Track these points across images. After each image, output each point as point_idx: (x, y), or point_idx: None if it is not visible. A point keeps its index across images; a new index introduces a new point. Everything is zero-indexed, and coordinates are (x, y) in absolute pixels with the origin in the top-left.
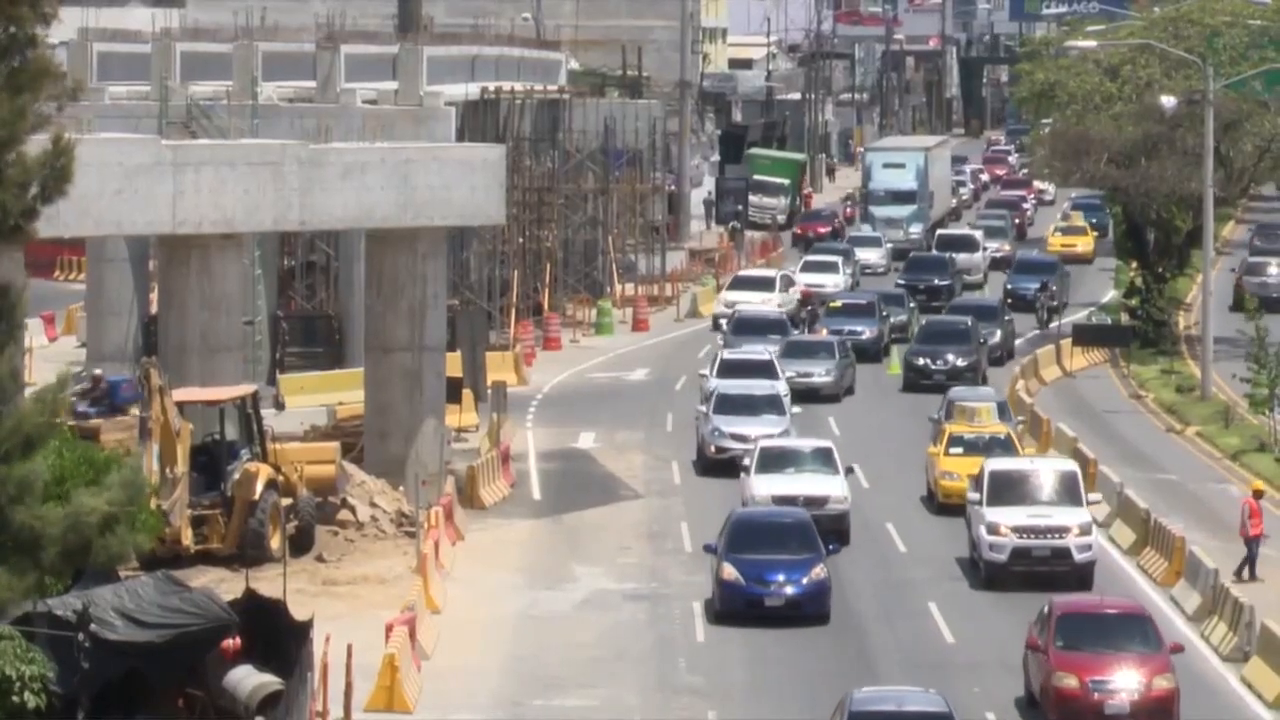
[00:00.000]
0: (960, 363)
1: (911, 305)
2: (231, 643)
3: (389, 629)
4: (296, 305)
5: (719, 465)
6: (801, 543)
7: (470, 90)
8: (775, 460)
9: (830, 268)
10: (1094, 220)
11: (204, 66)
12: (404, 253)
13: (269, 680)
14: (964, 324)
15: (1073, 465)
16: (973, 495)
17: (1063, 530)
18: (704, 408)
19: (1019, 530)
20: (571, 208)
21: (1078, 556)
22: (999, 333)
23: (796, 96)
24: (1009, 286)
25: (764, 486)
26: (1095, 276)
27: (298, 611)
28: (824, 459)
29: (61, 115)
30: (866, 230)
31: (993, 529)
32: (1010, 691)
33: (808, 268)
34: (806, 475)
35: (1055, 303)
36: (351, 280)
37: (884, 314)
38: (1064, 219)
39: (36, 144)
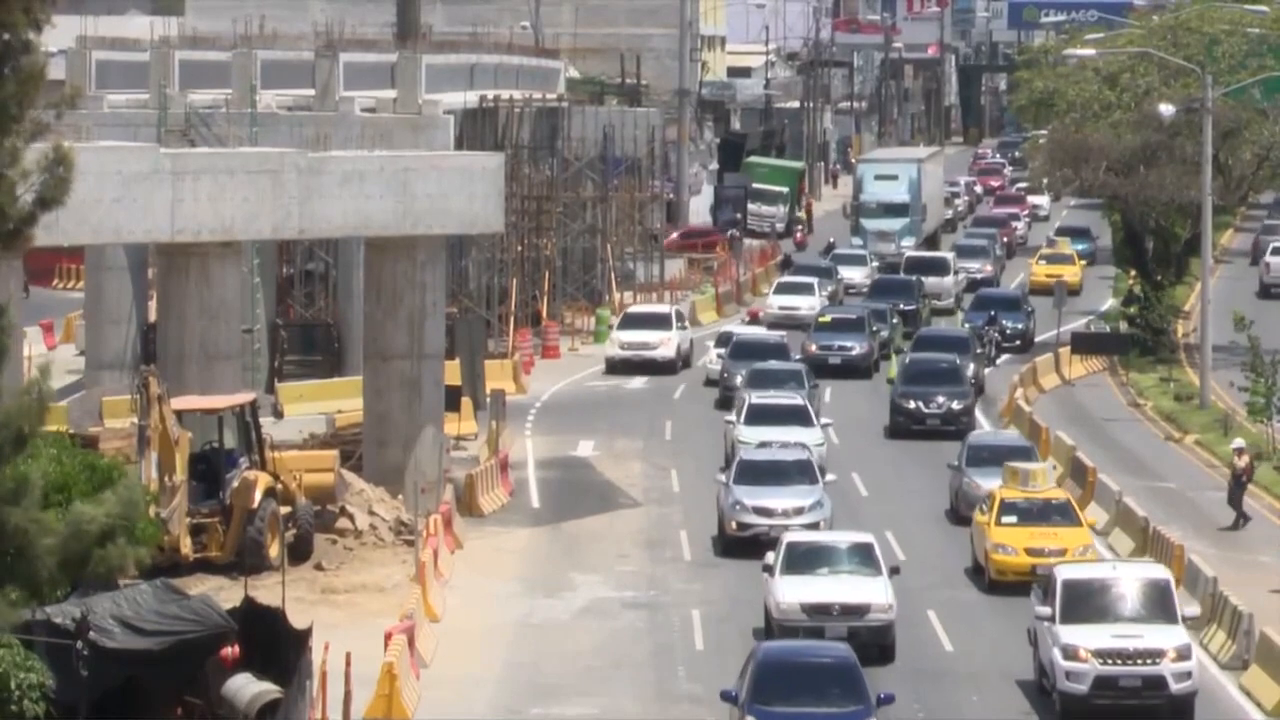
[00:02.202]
0: (955, 406)
1: (895, 321)
2: (230, 651)
3: (388, 637)
4: (295, 313)
5: (741, 545)
6: (846, 691)
7: (469, 98)
8: (805, 559)
9: (805, 289)
10: (1081, 247)
11: (203, 74)
12: (403, 261)
13: (268, 689)
14: (952, 361)
15: (1164, 573)
16: (1042, 609)
17: (1156, 655)
18: (723, 476)
19: (1102, 655)
20: (570, 216)
21: (1175, 686)
22: (971, 366)
23: (795, 104)
24: (965, 324)
25: (792, 591)
26: (1094, 285)
27: (296, 620)
28: (863, 557)
29: (60, 123)
30: (856, 244)
31: (1070, 653)
32: None
33: (781, 289)
34: (843, 578)
35: (1012, 340)
36: (350, 288)
37: (874, 329)
38: (1049, 245)
39: (34, 151)
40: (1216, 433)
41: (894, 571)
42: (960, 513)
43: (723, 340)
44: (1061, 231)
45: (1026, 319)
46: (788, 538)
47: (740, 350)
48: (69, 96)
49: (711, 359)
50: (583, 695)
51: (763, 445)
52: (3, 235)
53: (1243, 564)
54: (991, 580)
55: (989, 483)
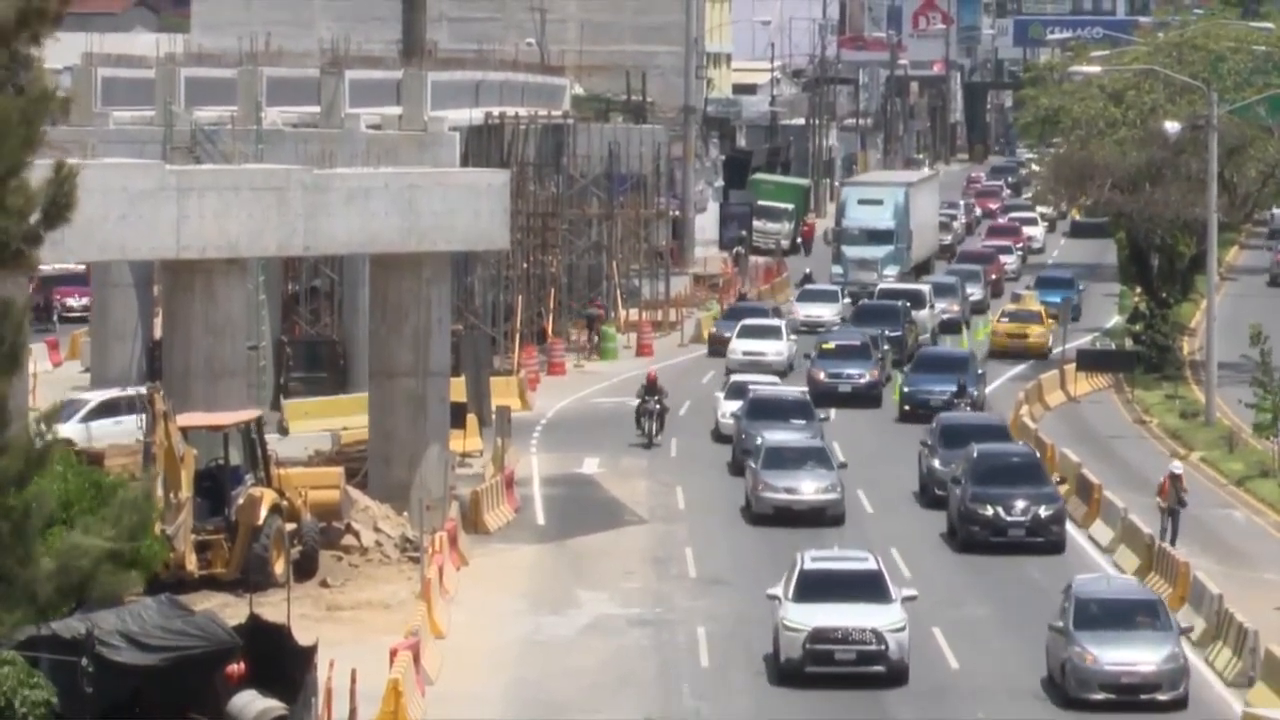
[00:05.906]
0: (1043, 512)
1: (885, 348)
2: (236, 668)
3: (393, 654)
4: (301, 330)
5: None
6: None
7: (474, 115)
8: None
9: (772, 333)
10: (1061, 298)
11: (208, 91)
12: (408, 278)
13: (273, 705)
14: (1029, 454)
15: None
16: None
17: None
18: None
19: None
20: (575, 233)
21: None
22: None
23: (800, 121)
24: (905, 389)
25: None
26: (1099, 301)
27: (302, 637)
28: None
29: (64, 138)
30: (837, 272)
31: None
32: None
33: (745, 333)
34: None
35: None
36: (356, 305)
37: (879, 355)
38: (1014, 300)
39: (39, 169)
40: (1222, 450)
41: None
42: (1069, 694)
43: (735, 391)
44: (1041, 282)
45: (976, 382)
46: None
47: (758, 409)
48: (61, 104)
49: (723, 413)
50: (587, 712)
51: (819, 637)
52: (8, 255)
53: (1248, 581)
54: None
55: (1106, 654)
